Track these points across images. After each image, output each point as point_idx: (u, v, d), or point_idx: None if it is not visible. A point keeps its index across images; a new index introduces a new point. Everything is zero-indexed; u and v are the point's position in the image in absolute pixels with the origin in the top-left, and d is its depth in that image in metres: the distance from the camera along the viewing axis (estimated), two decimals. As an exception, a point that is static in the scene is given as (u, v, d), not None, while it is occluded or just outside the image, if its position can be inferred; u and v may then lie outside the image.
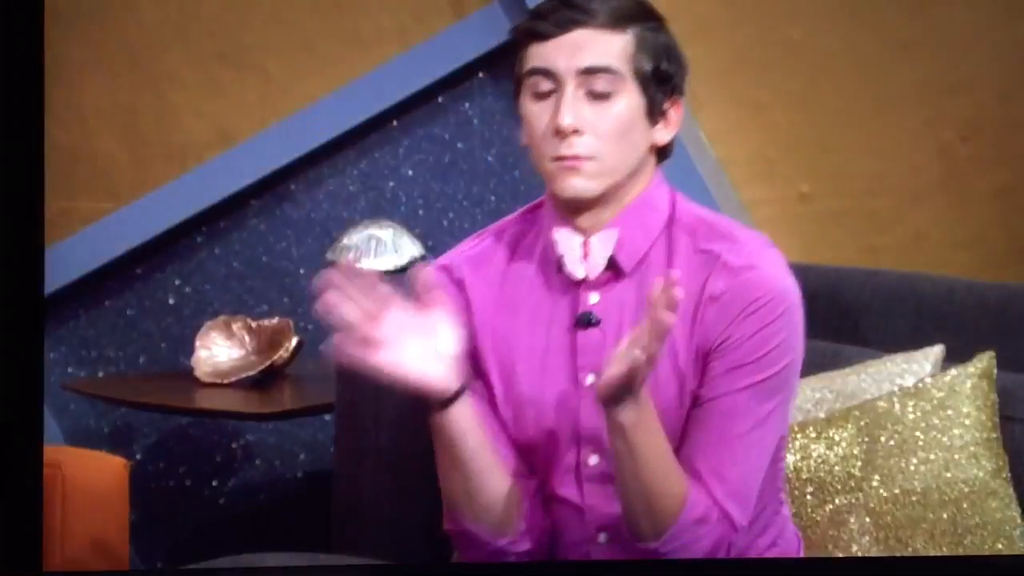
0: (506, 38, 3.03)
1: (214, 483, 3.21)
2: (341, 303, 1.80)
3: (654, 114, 1.92)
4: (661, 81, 1.92)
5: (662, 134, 1.93)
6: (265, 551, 2.30)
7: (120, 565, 2.46)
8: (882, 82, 3.04)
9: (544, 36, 1.90)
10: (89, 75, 3.19)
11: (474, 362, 1.95)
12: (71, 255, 3.16)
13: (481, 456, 1.88)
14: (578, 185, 1.89)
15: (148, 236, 3.16)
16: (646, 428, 1.81)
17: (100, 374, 3.21)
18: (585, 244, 1.91)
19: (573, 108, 1.87)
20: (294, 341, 2.96)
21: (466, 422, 1.86)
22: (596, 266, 1.91)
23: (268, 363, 2.94)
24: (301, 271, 3.22)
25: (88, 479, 2.44)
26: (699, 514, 1.84)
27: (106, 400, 3.02)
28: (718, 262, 1.88)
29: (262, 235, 3.22)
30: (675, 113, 1.94)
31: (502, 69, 3.14)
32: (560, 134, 1.87)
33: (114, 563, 2.45)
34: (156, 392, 2.94)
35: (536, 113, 1.90)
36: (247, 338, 2.99)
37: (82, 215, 3.19)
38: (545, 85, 1.89)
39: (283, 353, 2.96)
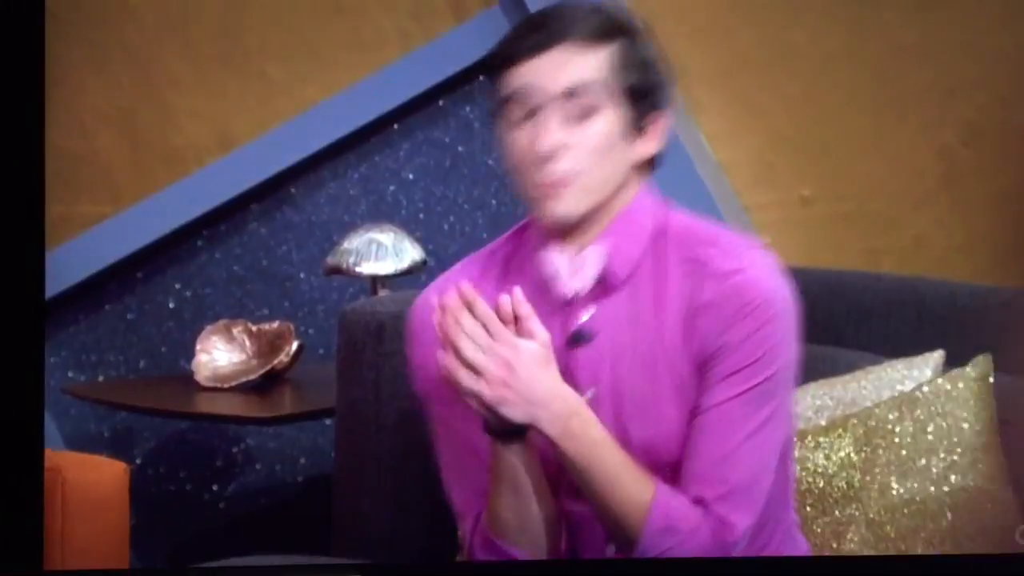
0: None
1: (214, 487, 3.21)
2: (457, 334, 1.80)
3: (635, 130, 1.89)
4: (641, 96, 1.89)
5: (645, 149, 1.90)
6: (265, 555, 2.30)
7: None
8: (883, 85, 3.04)
9: (519, 60, 1.87)
10: (89, 78, 3.19)
11: None
12: (71, 259, 3.16)
13: (539, 481, 1.87)
14: (561, 209, 1.87)
15: (149, 240, 3.16)
16: (580, 437, 1.82)
17: (100, 378, 3.21)
18: (573, 262, 1.90)
19: (552, 132, 1.85)
20: (295, 345, 2.96)
21: (530, 450, 1.85)
22: (585, 283, 1.89)
23: (269, 367, 2.94)
24: (302, 275, 3.22)
25: (88, 483, 2.44)
26: (664, 524, 1.83)
27: (106, 404, 3.01)
28: (705, 269, 1.87)
29: (263, 239, 3.21)
30: (658, 126, 1.91)
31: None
32: (540, 159, 1.85)
33: (114, 567, 2.45)
34: (156, 396, 2.94)
35: (516, 139, 1.87)
36: (248, 342, 2.99)
37: (82, 219, 3.18)
38: (523, 109, 1.87)
39: (283, 357, 2.95)
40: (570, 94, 1.86)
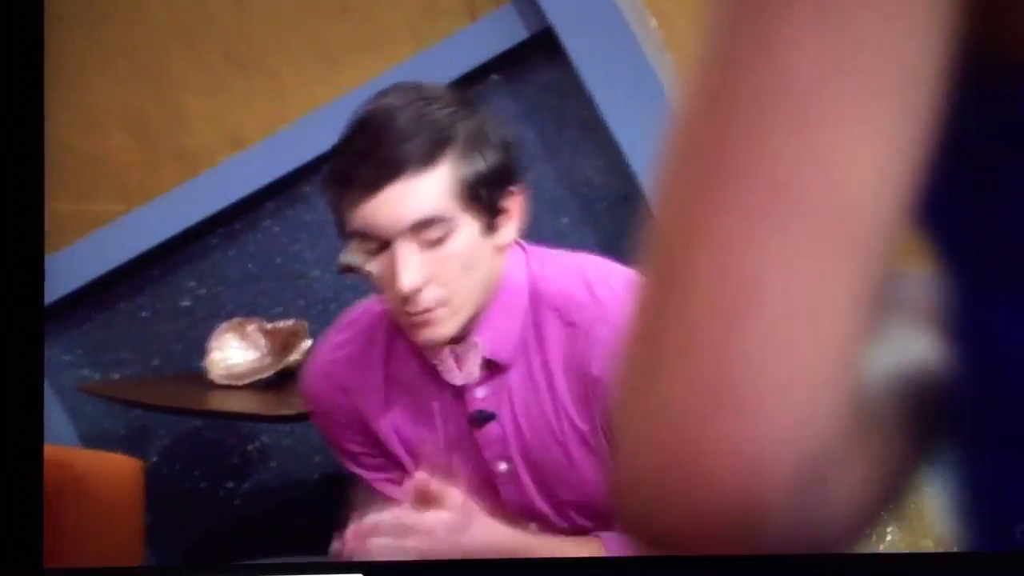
0: (521, 39, 3.05)
1: (229, 485, 3.21)
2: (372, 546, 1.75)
3: (493, 225, 1.81)
4: (493, 186, 1.80)
5: (506, 234, 1.83)
6: (281, 553, 2.29)
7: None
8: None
9: (356, 199, 1.78)
10: (99, 78, 3.19)
11: (385, 453, 1.93)
12: (85, 257, 3.16)
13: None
14: (433, 335, 1.81)
15: (163, 238, 3.17)
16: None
17: (115, 376, 3.22)
18: (456, 357, 1.85)
19: (410, 266, 1.76)
20: (308, 343, 2.96)
21: None
22: (472, 373, 1.85)
23: (283, 365, 2.94)
24: (315, 273, 3.22)
25: (103, 481, 2.44)
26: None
27: (121, 402, 3.02)
28: (589, 338, 1.81)
29: (276, 237, 3.22)
30: (515, 205, 1.83)
31: (516, 71, 3.14)
32: (403, 296, 1.78)
33: (128, 564, 2.45)
34: (171, 394, 2.95)
35: (374, 269, 1.81)
36: (261, 340, 2.99)
37: (95, 217, 3.19)
38: (374, 243, 1.79)
39: (297, 355, 2.96)
40: (419, 227, 1.76)
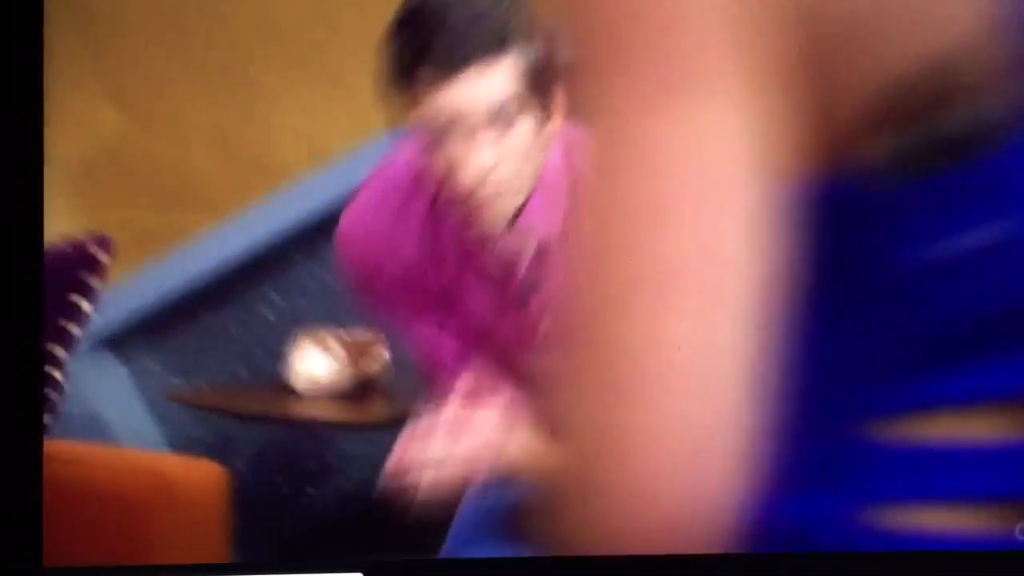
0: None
1: (310, 491, 3.25)
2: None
3: (546, 115, 1.87)
4: (545, 80, 1.85)
5: (554, 126, 1.88)
6: (358, 558, 2.33)
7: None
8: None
9: (423, 92, 1.84)
10: (186, 91, 3.24)
11: (418, 305, 2.00)
12: (173, 269, 3.21)
13: None
14: (492, 222, 1.89)
15: (247, 251, 3.22)
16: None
17: (202, 385, 3.27)
18: (506, 242, 1.91)
19: (478, 158, 1.83)
20: (386, 353, 3.00)
21: None
22: (522, 256, 1.92)
23: (361, 375, 3.00)
24: (392, 285, 3.25)
25: (191, 486, 2.48)
26: None
27: (208, 410, 3.08)
28: None
29: (355, 250, 3.26)
30: (559, 97, 1.88)
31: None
32: (467, 186, 1.84)
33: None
34: (255, 402, 2.98)
35: (434, 160, 1.86)
36: (340, 350, 3.02)
37: (182, 229, 3.24)
38: (442, 130, 1.84)
39: (375, 365, 2.99)
40: (483, 120, 1.83)
